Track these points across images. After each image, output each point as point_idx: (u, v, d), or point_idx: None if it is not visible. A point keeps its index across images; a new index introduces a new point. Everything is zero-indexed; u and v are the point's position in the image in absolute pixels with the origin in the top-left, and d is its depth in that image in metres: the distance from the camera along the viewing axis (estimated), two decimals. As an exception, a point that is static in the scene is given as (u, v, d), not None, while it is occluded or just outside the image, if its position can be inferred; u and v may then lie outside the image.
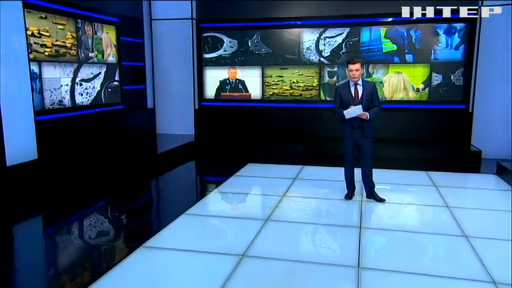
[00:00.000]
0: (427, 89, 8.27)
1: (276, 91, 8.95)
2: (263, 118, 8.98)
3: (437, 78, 8.21)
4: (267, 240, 4.12)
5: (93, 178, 6.21)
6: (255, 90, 9.08)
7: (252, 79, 9.05)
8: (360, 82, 5.08)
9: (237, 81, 9.12)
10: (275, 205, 5.12)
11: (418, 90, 8.29)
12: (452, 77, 8.16)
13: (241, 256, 3.72)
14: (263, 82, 8.99)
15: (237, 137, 8.92)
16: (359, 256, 3.73)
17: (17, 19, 5.52)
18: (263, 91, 9.03)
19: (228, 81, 9.18)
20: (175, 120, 9.41)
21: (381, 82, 8.37)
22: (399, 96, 8.37)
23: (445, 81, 8.20)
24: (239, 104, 9.16)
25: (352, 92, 5.10)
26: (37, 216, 5.03)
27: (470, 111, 8.07)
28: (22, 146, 5.61)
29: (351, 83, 5.10)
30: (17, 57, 5.54)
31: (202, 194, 5.64)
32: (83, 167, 6.41)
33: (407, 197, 5.62)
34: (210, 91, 9.32)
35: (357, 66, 4.99)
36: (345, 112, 4.94)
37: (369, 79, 8.29)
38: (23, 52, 5.64)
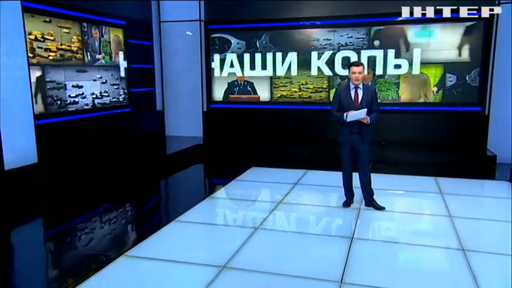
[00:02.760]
0: (440, 91, 7.94)
1: (284, 93, 8.79)
2: (271, 120, 8.83)
3: (451, 79, 7.88)
4: (252, 250, 3.99)
5: (94, 182, 6.21)
6: (263, 92, 8.94)
7: (260, 81, 8.91)
8: (360, 86, 4.89)
9: (246, 83, 9.00)
10: (269, 212, 4.99)
11: (432, 92, 7.98)
12: (467, 78, 7.81)
13: (222, 268, 3.61)
14: (271, 84, 8.85)
15: (245, 140, 8.80)
16: (344, 270, 3.56)
17: (16, 23, 5.56)
18: (271, 93, 8.88)
19: (236, 83, 9.07)
20: (184, 122, 9.39)
21: (395, 84, 8.09)
22: (420, 99, 8.05)
23: (459, 82, 7.85)
24: (247, 106, 9.04)
25: (352, 95, 4.92)
26: (28, 223, 5.00)
27: (486, 113, 7.71)
28: (21, 150, 5.65)
29: (351, 86, 4.92)
30: (17, 60, 5.59)
31: (198, 199, 5.51)
32: (85, 171, 6.42)
33: (408, 205, 5.40)
34: (219, 93, 9.23)
35: (360, 68, 4.81)
36: (348, 115, 4.75)
37: (381, 80, 8.07)
38: (23, 56, 5.68)
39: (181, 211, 5.08)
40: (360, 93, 4.90)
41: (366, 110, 4.73)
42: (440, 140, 7.94)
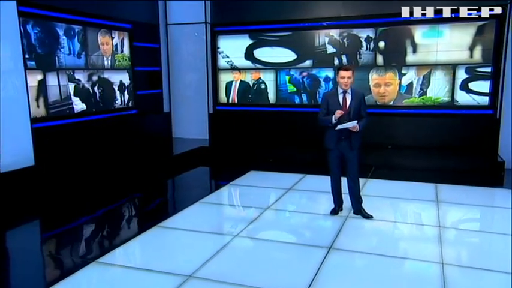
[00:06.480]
0: (449, 92, 7.65)
1: (289, 95, 8.69)
2: (277, 122, 8.71)
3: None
4: (223, 259, 3.93)
5: (92, 185, 6.31)
6: (270, 94, 8.85)
7: (267, 83, 8.83)
8: (348, 90, 4.75)
9: (260, 80, 8.91)
10: (252, 219, 4.91)
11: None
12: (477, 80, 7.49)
13: (187, 277, 3.57)
14: (277, 85, 8.75)
15: (250, 142, 8.74)
16: (311, 282, 3.46)
17: (12, 26, 5.65)
18: (277, 95, 8.79)
19: (250, 84, 9.00)
20: (191, 124, 9.44)
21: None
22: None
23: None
24: (253, 108, 8.97)
25: (340, 100, 4.77)
26: (20, 226, 5.09)
27: (497, 117, 7.38)
28: (19, 153, 5.77)
29: (340, 91, 4.77)
30: (13, 64, 5.69)
31: (188, 203, 5.50)
32: (86, 174, 6.51)
33: (399, 214, 5.22)
34: (225, 95, 9.21)
35: (349, 73, 4.67)
36: (337, 126, 4.62)
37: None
38: (19, 59, 5.78)
39: (168, 216, 5.11)
40: (348, 98, 4.76)
41: (355, 121, 4.60)
42: (449, 145, 7.63)
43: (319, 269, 3.70)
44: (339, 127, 4.62)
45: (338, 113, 4.62)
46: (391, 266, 3.79)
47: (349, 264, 3.87)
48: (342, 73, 4.66)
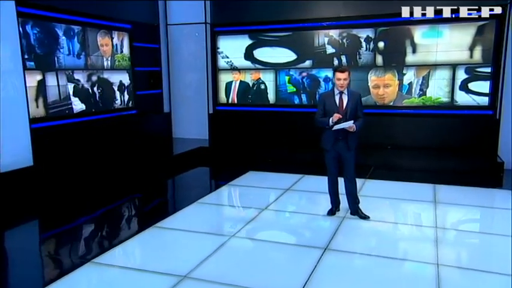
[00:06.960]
0: (449, 93, 7.63)
1: (289, 95, 8.70)
2: (277, 122, 8.73)
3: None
4: (219, 260, 3.94)
5: (91, 186, 6.32)
6: (269, 94, 8.86)
7: (266, 83, 8.83)
8: (345, 91, 4.74)
9: (260, 81, 8.92)
10: (249, 220, 4.91)
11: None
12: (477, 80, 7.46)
13: (182, 278, 3.58)
14: (277, 86, 8.75)
15: (249, 142, 8.75)
16: (305, 284, 3.46)
17: (11, 27, 5.67)
18: (277, 95, 8.79)
19: (250, 84, 9.01)
20: (191, 125, 9.45)
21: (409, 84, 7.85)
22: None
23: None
24: (253, 108, 8.98)
25: (337, 101, 4.77)
26: (17, 226, 5.12)
27: (497, 117, 7.35)
28: (18, 153, 5.79)
29: (336, 92, 4.77)
30: (13, 65, 5.71)
31: (186, 203, 5.51)
32: (84, 174, 6.53)
33: (396, 215, 5.20)
34: (224, 95, 9.21)
35: (345, 75, 4.65)
36: (334, 127, 4.62)
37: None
38: (18, 60, 5.80)
39: (166, 216, 5.11)
40: (345, 98, 4.75)
41: (352, 121, 4.59)
42: (448, 145, 7.63)
43: (314, 269, 3.70)
44: (336, 127, 4.62)
45: (336, 117, 4.61)
46: (385, 267, 3.78)
47: (344, 265, 3.87)
48: (338, 75, 4.65)
